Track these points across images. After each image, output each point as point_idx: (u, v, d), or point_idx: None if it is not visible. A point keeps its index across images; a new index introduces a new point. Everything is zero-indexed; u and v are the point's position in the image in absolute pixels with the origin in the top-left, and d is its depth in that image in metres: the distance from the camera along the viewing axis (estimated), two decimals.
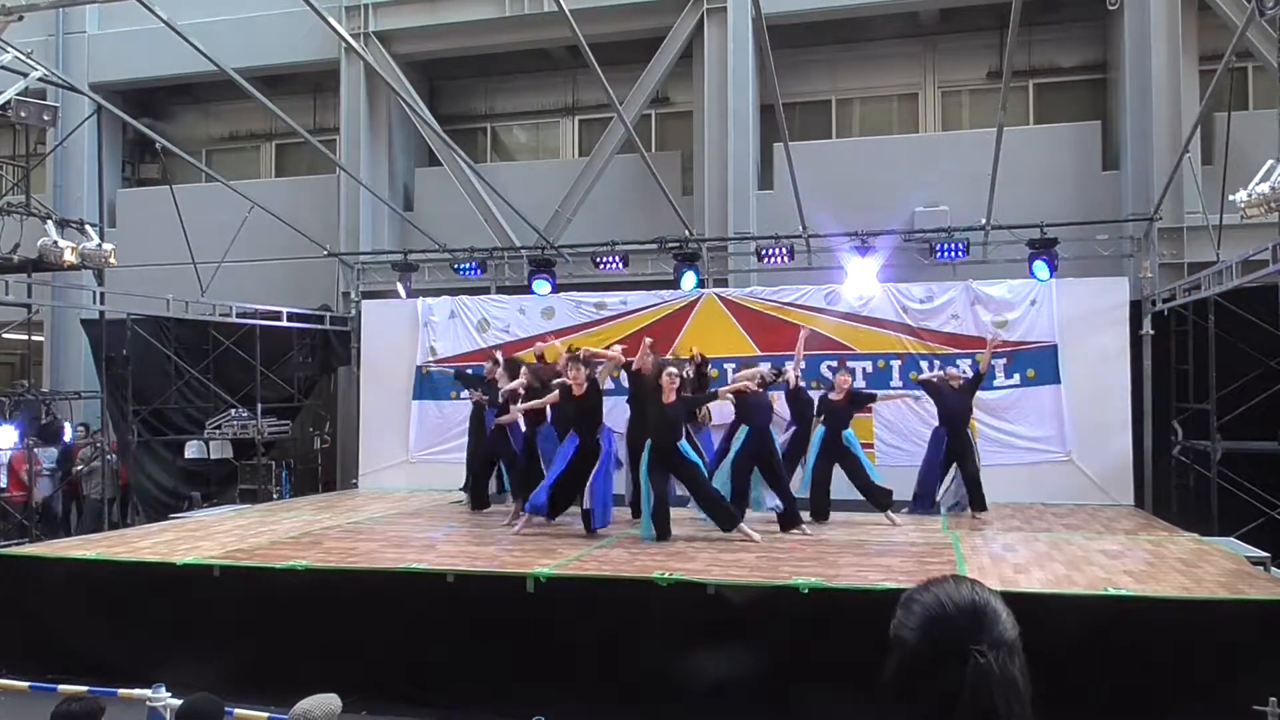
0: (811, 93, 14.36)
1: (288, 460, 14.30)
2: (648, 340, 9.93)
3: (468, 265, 13.18)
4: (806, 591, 6.55)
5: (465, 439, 11.49)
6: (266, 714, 5.14)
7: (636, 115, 13.28)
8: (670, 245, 12.44)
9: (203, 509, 12.45)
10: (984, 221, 11.46)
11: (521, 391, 10.01)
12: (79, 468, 13.41)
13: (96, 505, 12.98)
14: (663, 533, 8.70)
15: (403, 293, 13.37)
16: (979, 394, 11.52)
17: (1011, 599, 1.55)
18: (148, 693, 5.29)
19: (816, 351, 11.91)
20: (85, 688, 5.29)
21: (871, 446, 11.62)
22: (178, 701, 4.79)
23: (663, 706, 6.42)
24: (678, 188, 13.47)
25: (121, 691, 5.49)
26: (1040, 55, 13.74)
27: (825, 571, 7.21)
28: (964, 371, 11.07)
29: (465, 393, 11.82)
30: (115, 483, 13.08)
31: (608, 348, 10.26)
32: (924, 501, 10.34)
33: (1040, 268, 11.28)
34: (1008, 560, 7.71)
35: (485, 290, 13.60)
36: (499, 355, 11.13)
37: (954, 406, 10.26)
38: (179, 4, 9.84)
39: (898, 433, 11.30)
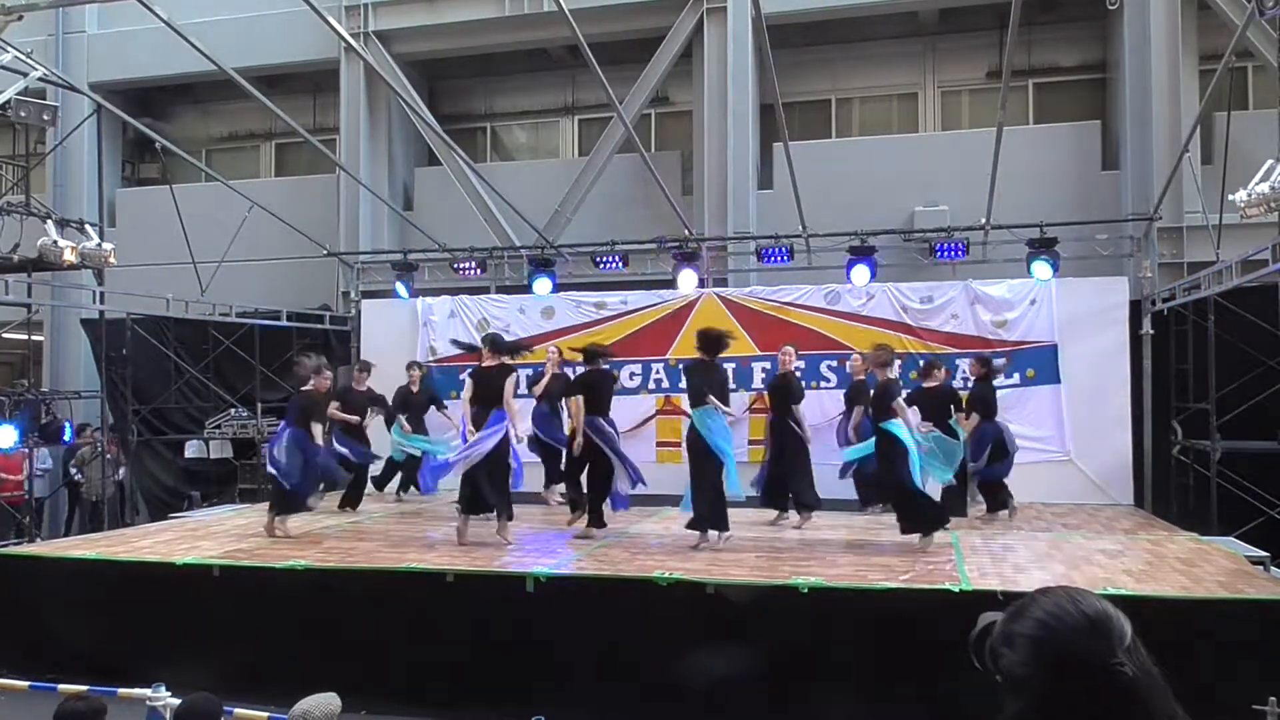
0: (811, 92, 14.35)
1: None
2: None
3: (467, 265, 13.19)
4: (806, 591, 6.55)
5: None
6: (266, 714, 5.13)
7: (636, 115, 13.27)
8: (670, 245, 12.44)
9: (202, 508, 12.45)
10: (983, 221, 11.46)
11: None
12: (74, 473, 13.39)
13: (95, 505, 12.96)
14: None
15: (404, 293, 13.35)
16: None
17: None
18: (148, 692, 5.29)
19: (817, 351, 11.92)
20: (85, 687, 5.28)
21: None
22: (177, 701, 4.78)
23: (663, 706, 6.42)
24: (677, 187, 13.46)
25: (121, 691, 5.48)
26: (1040, 55, 13.74)
27: (825, 571, 7.22)
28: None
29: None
30: (115, 481, 13.06)
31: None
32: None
33: (1042, 267, 11.28)
34: (1007, 560, 7.73)
35: (485, 290, 13.61)
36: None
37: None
38: (179, 4, 9.82)
39: None
